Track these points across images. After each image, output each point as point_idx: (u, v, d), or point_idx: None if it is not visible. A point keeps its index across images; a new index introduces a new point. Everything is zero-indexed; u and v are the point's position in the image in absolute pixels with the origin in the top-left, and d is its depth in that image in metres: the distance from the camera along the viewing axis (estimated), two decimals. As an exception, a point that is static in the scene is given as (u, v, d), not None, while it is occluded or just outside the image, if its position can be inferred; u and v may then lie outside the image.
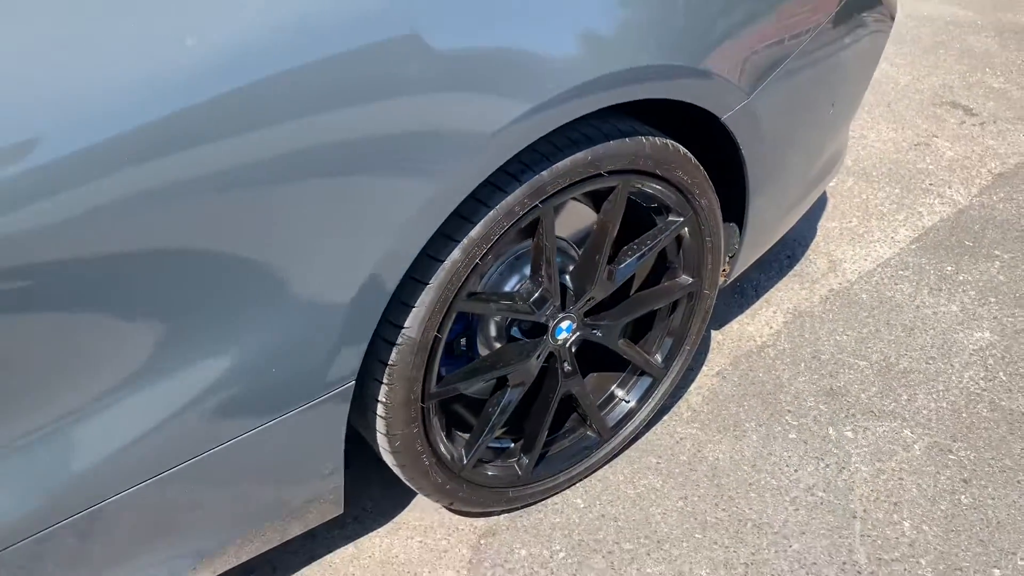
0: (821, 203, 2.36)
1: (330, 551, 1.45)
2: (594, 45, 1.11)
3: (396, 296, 1.12)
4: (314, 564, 1.43)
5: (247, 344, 1.01)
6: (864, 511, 1.55)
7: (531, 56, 1.06)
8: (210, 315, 0.96)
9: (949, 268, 2.13)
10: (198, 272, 0.93)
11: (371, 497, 1.52)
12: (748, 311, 1.98)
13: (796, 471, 1.61)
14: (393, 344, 1.16)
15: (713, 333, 1.91)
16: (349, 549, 1.46)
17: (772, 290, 2.05)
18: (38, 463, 0.93)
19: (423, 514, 1.52)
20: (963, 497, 1.58)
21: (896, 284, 2.08)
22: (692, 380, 1.79)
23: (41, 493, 0.95)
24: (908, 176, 2.48)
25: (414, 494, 1.54)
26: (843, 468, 1.62)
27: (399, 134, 0.99)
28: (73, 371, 0.90)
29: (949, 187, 2.44)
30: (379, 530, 1.49)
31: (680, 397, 1.75)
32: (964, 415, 1.74)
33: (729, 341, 1.90)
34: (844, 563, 1.46)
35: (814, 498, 1.56)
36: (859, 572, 1.44)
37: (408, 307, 1.15)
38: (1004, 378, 1.83)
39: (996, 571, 1.46)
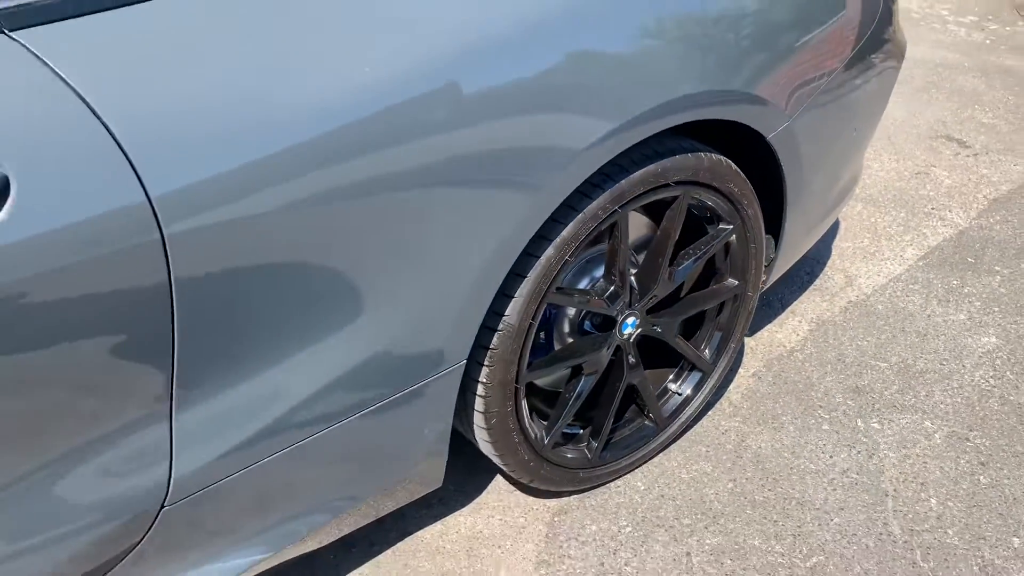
0: (835, 226, 2.56)
1: (420, 528, 1.61)
2: (670, 73, 1.31)
3: (500, 288, 1.30)
4: (407, 539, 1.59)
5: (388, 324, 1.19)
6: (895, 490, 1.72)
7: (614, 83, 1.25)
8: (367, 299, 1.14)
9: (955, 282, 2.34)
10: (361, 263, 1.11)
11: (453, 482, 1.68)
12: (776, 320, 2.17)
13: (831, 457, 1.79)
14: (495, 330, 1.34)
15: (747, 340, 2.10)
16: (437, 527, 1.62)
17: (796, 302, 2.24)
18: (219, 420, 1.10)
19: (500, 496, 1.68)
20: (982, 478, 1.76)
21: (908, 296, 2.28)
22: (731, 381, 1.97)
23: (218, 448, 1.12)
24: (912, 201, 2.70)
25: (491, 479, 1.70)
26: (872, 454, 1.80)
27: (510, 151, 1.18)
28: (261, 341, 1.08)
29: (950, 211, 2.66)
30: (462, 510, 1.65)
31: (722, 395, 1.93)
32: (977, 408, 1.93)
33: (761, 347, 2.09)
34: (880, 534, 1.63)
35: (849, 479, 1.74)
36: (895, 541, 1.61)
37: (509, 297, 1.33)
38: (1011, 376, 2.02)
39: (1015, 539, 1.63)
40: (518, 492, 1.68)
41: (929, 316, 2.21)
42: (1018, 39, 4.09)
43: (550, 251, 1.33)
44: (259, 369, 1.10)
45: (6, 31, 0.88)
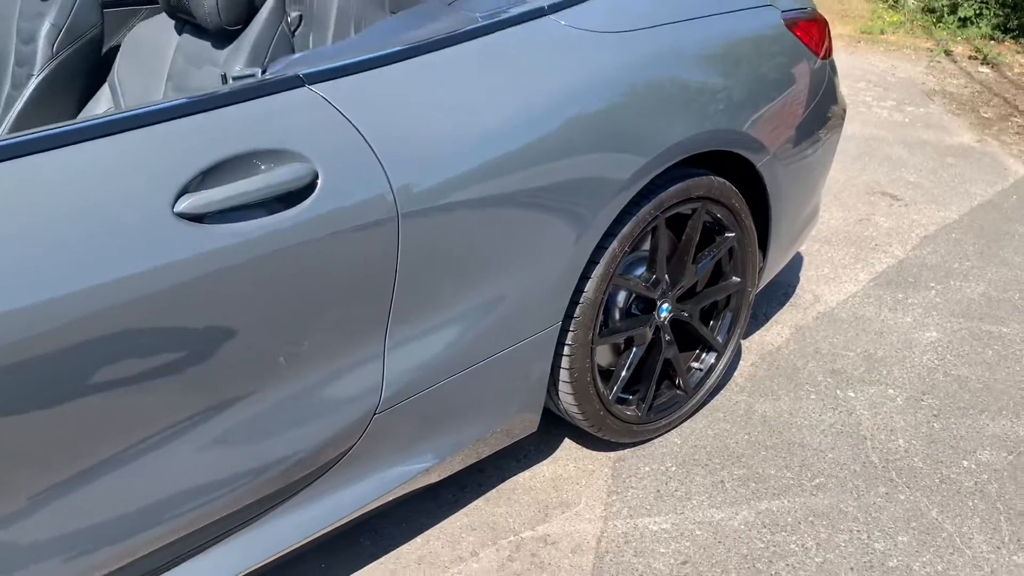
0: (799, 260, 3.15)
1: (513, 475, 2.07)
2: (692, 118, 1.89)
3: (582, 272, 1.82)
4: (505, 482, 2.05)
5: (515, 290, 1.70)
6: (871, 435, 2.24)
7: (651, 126, 1.82)
8: (503, 273, 1.65)
9: (900, 295, 2.92)
10: (499, 247, 1.63)
11: (532, 443, 2.15)
12: (763, 327, 2.71)
13: (820, 416, 2.30)
14: (578, 303, 1.85)
15: (743, 343, 2.63)
16: (525, 473, 2.08)
17: (777, 315, 2.79)
18: (413, 353, 1.58)
19: (571, 450, 2.15)
20: (935, 424, 2.29)
21: (864, 307, 2.85)
22: (734, 370, 2.49)
23: (412, 373, 1.60)
24: (859, 240, 3.31)
25: (561, 441, 2.18)
26: (851, 413, 2.32)
27: (587, 178, 1.72)
28: (443, 296, 1.58)
29: (890, 246, 3.27)
30: (543, 461, 2.12)
31: (729, 379, 2.44)
32: (927, 380, 2.47)
33: (754, 346, 2.62)
34: (864, 462, 2.13)
35: (835, 430, 2.25)
36: (875, 466, 2.12)
37: (587, 278, 1.85)
38: (951, 358, 2.58)
39: (964, 462, 2.15)
40: (584, 448, 2.16)
41: (883, 320, 2.77)
42: (930, 119, 4.86)
43: (614, 244, 1.86)
44: (438, 316, 1.60)
45: (308, 85, 1.41)
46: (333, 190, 1.38)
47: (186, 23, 1.76)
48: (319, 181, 1.36)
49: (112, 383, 1.22)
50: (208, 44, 1.69)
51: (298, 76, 1.41)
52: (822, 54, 2.29)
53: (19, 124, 2.03)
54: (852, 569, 1.83)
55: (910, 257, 3.19)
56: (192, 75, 1.70)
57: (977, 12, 6.33)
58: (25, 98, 2.03)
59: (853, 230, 3.41)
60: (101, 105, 1.83)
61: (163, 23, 1.82)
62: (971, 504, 2.03)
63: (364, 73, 1.48)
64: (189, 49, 1.73)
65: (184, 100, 1.32)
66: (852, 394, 2.40)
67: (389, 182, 1.43)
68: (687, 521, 1.95)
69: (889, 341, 2.65)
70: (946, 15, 6.52)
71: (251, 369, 1.38)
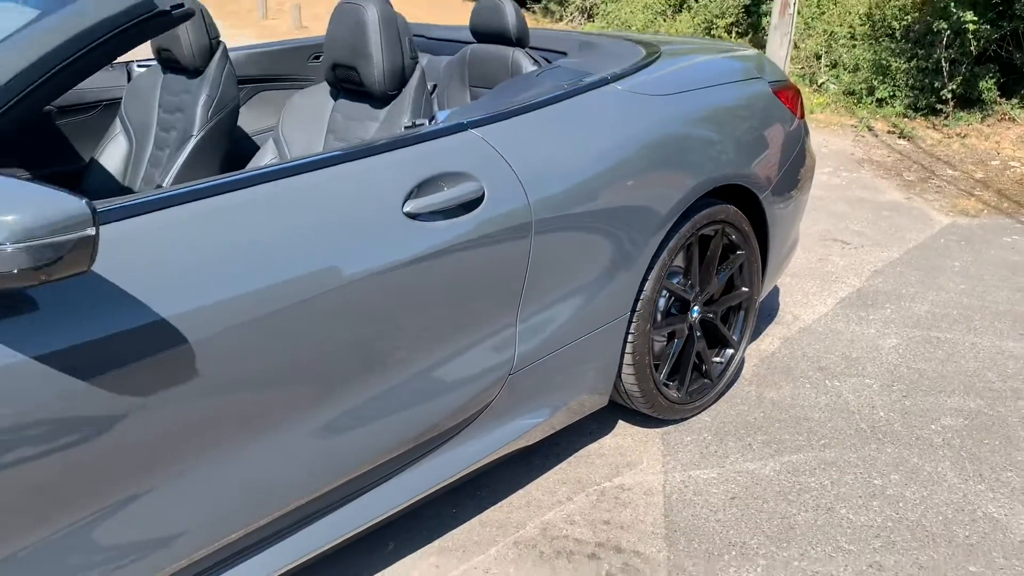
0: (777, 291, 3.77)
1: (583, 447, 2.57)
2: (715, 159, 2.49)
3: (643, 275, 2.38)
4: (578, 451, 2.54)
5: (600, 285, 2.24)
6: (858, 411, 2.81)
7: (690, 163, 2.42)
8: (593, 271, 2.20)
9: (862, 314, 3.55)
10: (589, 251, 2.18)
11: (595, 422, 2.66)
12: (758, 340, 3.30)
13: (816, 399, 2.88)
14: (639, 299, 2.41)
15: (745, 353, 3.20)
16: (594, 444, 2.59)
17: (766, 331, 3.39)
18: (536, 327, 2.10)
19: (627, 427, 2.67)
20: (907, 401, 2.88)
21: (835, 323, 3.47)
22: (742, 372, 3.06)
23: (536, 342, 2.11)
24: (822, 275, 3.97)
25: (616, 423, 2.69)
26: (839, 396, 2.90)
27: (649, 202, 2.30)
28: (556, 283, 2.11)
29: (848, 278, 3.93)
30: (605, 436, 2.63)
31: (740, 376, 3.01)
32: (895, 372, 3.08)
33: (754, 353, 3.20)
34: (856, 429, 2.70)
35: (831, 408, 2.82)
36: (865, 431, 2.69)
37: (646, 280, 2.41)
38: (910, 356, 3.20)
39: (933, 425, 2.74)
40: (636, 426, 2.68)
41: (852, 331, 3.39)
42: (863, 182, 5.64)
43: (664, 255, 2.43)
44: (551, 301, 2.13)
45: (470, 129, 1.96)
46: (493, 201, 1.92)
47: (341, 91, 2.31)
48: (485, 195, 1.90)
49: (350, 341, 1.71)
50: (366, 106, 2.23)
51: (463, 123, 1.97)
52: (799, 115, 2.96)
53: (181, 176, 2.52)
54: (860, 496, 2.38)
55: (865, 286, 3.85)
56: (352, 128, 2.23)
57: (891, 94, 7.28)
58: (186, 153, 2.53)
59: (816, 267, 4.06)
60: (267, 155, 2.33)
61: (317, 93, 2.36)
62: (941, 453, 2.60)
63: (503, 121, 2.04)
64: (346, 111, 2.27)
65: (390, 139, 1.86)
66: (838, 383, 2.99)
67: (527, 197, 1.98)
68: (728, 471, 2.47)
69: (860, 346, 3.27)
70: (865, 97, 7.47)
71: (436, 334, 1.88)
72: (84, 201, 1.18)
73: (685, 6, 10.95)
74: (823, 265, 4.09)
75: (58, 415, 1.32)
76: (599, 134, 2.22)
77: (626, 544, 2.16)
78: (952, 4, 6.68)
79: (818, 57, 8.17)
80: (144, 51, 2.53)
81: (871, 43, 7.72)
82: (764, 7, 9.58)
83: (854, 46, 7.90)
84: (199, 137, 2.54)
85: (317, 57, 3.21)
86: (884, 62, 7.31)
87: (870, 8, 7.96)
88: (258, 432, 1.62)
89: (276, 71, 3.12)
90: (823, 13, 8.68)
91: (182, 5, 1.57)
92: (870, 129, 7.03)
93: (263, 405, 1.61)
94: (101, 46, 1.49)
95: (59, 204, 1.16)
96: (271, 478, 1.67)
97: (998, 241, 4.52)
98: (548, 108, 2.15)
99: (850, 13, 8.24)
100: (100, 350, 1.35)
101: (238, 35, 10.97)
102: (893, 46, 7.41)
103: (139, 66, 2.95)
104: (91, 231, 1.17)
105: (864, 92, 7.49)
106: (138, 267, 1.42)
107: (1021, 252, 4.36)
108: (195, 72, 2.64)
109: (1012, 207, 5.14)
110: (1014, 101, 6.93)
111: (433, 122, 2.04)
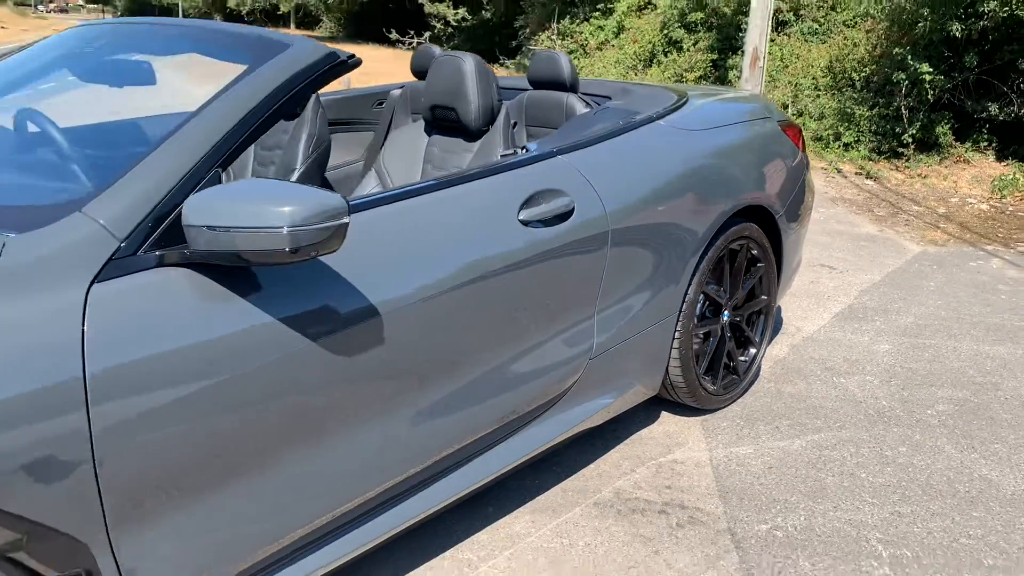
0: (778, 309, 4.23)
1: (633, 433, 2.97)
2: (742, 183, 2.95)
3: (687, 281, 2.82)
4: (630, 437, 2.94)
5: (653, 289, 2.67)
6: (864, 401, 3.26)
7: (724, 185, 2.87)
8: (649, 276, 2.63)
9: (856, 325, 4.03)
10: (645, 259, 2.61)
11: (642, 413, 3.07)
12: (768, 348, 3.75)
13: (827, 392, 3.32)
14: (684, 300, 2.83)
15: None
16: (642, 431, 2.99)
17: (775, 341, 3.84)
18: (609, 319, 2.51)
19: (670, 417, 3.08)
20: (904, 392, 3.33)
21: (834, 333, 3.93)
22: (760, 372, 3.49)
23: (607, 333, 2.52)
24: (816, 294, 4.45)
25: (659, 414, 3.10)
26: (845, 390, 3.34)
27: (687, 225, 2.75)
28: (625, 283, 2.53)
29: (839, 297, 4.41)
30: (652, 423, 3.03)
31: (758, 376, 3.44)
32: (890, 372, 3.54)
33: (768, 360, 3.64)
34: (866, 413, 3.14)
35: (840, 399, 3.26)
36: (873, 416, 3.13)
37: (689, 284, 2.84)
38: (902, 358, 3.67)
39: (929, 411, 3.19)
40: (678, 415, 3.09)
41: (849, 339, 3.86)
42: (839, 217, 6.19)
43: (704, 264, 2.87)
44: (621, 298, 2.55)
45: (559, 155, 2.40)
46: (581, 213, 2.34)
47: (435, 129, 2.74)
48: (575, 208, 2.33)
49: (479, 326, 2.09)
50: (460, 140, 2.66)
51: (552, 151, 2.40)
52: (801, 149, 3.45)
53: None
54: (876, 464, 2.80)
55: (855, 303, 4.33)
56: (449, 159, 2.66)
57: (856, 139, 7.91)
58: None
59: (809, 288, 4.55)
60: (370, 184, 2.73)
61: (412, 130, 2.78)
62: (939, 431, 3.05)
63: (583, 149, 2.48)
64: (442, 144, 2.70)
65: (498, 165, 2.28)
66: (843, 380, 3.43)
67: (605, 210, 2.41)
68: (763, 448, 2.89)
69: (858, 350, 3.73)
70: (832, 142, 8.10)
71: (535, 326, 2.28)
72: (341, 196, 1.57)
73: (655, 61, 11.64)
74: (815, 286, 4.58)
75: (279, 373, 1.67)
76: (653, 161, 2.67)
77: (688, 502, 2.56)
78: (909, 57, 7.36)
79: (785, 107, 8.83)
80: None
81: (834, 93, 8.39)
82: (730, 61, 10.27)
83: (818, 96, 8.56)
84: (301, 171, 2.94)
85: (380, 103, 3.65)
86: (848, 110, 7.95)
87: (831, 61, 8.66)
88: (407, 399, 1.99)
89: (346, 115, 3.55)
90: (787, 67, 9.38)
91: (353, 55, 1.98)
92: (839, 171, 7.63)
93: (407, 379, 1.97)
94: (299, 94, 1.85)
95: (324, 199, 1.55)
96: (408, 439, 2.03)
97: (966, 265, 5.06)
98: (613, 140, 2.60)
99: (812, 66, 8.93)
100: (315, 319, 1.73)
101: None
102: (855, 95, 8.07)
103: None
104: (346, 220, 1.56)
105: (831, 138, 8.12)
106: (352, 254, 1.80)
107: (987, 274, 4.89)
108: (291, 115, 3.05)
109: (974, 237, 5.70)
110: (967, 144, 7.59)
111: (524, 150, 2.48)
